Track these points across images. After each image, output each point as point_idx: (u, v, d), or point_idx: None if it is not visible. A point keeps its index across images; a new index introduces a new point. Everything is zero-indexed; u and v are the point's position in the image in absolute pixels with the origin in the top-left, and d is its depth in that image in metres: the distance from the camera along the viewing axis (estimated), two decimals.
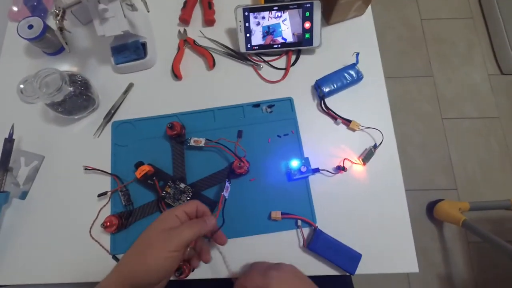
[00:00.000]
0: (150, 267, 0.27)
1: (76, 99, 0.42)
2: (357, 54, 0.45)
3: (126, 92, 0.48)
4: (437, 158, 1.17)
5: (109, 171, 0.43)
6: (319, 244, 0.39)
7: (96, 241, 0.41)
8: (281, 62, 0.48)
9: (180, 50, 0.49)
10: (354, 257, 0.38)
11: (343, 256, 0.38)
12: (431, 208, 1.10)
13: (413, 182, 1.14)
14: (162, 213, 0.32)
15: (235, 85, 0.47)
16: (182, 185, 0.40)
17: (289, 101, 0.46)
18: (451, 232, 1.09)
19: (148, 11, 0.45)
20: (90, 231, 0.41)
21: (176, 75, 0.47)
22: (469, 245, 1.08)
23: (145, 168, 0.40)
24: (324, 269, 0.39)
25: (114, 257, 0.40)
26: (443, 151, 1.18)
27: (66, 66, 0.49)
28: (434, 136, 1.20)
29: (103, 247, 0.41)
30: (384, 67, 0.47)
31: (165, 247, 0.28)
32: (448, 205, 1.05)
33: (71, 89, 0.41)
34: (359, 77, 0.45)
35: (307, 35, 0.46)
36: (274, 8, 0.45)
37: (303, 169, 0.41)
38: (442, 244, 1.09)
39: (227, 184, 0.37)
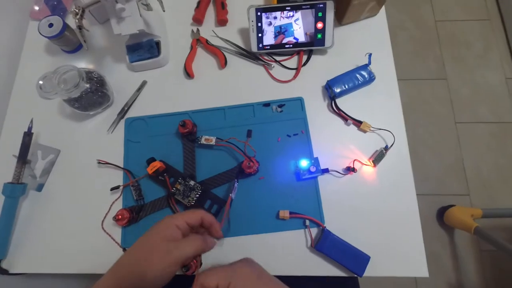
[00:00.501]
0: (146, 278, 0.27)
1: (92, 95, 0.44)
2: (370, 55, 0.44)
3: (139, 89, 0.49)
4: (449, 162, 1.14)
5: (122, 166, 0.45)
6: (327, 244, 0.38)
7: (108, 233, 0.42)
8: (292, 62, 0.48)
9: (192, 49, 0.49)
10: (362, 259, 0.38)
11: (351, 258, 0.38)
12: (442, 213, 1.07)
13: (424, 186, 1.12)
14: (163, 219, 0.30)
15: (246, 84, 0.48)
16: (192, 183, 0.41)
17: (300, 101, 0.46)
18: (463, 239, 1.07)
19: (164, 11, 0.45)
20: (102, 224, 0.42)
21: (189, 74, 0.48)
22: (482, 253, 1.05)
23: (156, 165, 0.41)
24: (331, 270, 0.39)
25: (124, 250, 0.41)
26: (456, 155, 1.15)
27: (83, 64, 0.51)
28: (447, 140, 1.17)
29: (114, 240, 0.42)
30: (397, 69, 0.46)
31: (164, 259, 0.27)
32: (460, 212, 1.02)
33: (87, 85, 0.43)
34: (371, 78, 0.45)
35: (319, 35, 0.46)
36: (287, 8, 0.45)
37: (313, 169, 0.41)
38: (452, 250, 1.06)
39: (235, 184, 0.38)
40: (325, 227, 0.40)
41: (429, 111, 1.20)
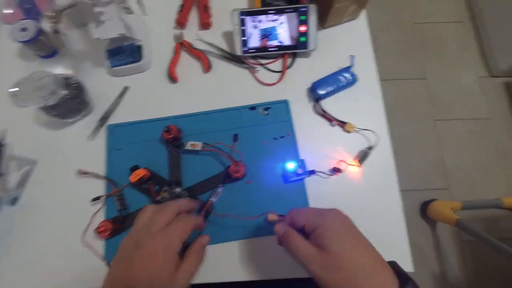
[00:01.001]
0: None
1: (70, 102, 0.42)
2: (352, 57, 0.45)
3: (121, 95, 0.47)
4: (431, 159, 1.19)
5: (104, 175, 0.43)
6: None
7: (88, 247, 0.40)
8: (277, 65, 0.49)
9: (176, 53, 0.48)
10: None
11: None
12: (424, 207, 1.12)
13: (407, 182, 1.16)
14: (157, 245, 0.27)
15: (231, 88, 0.48)
16: (178, 190, 0.40)
17: (285, 103, 0.46)
18: (445, 231, 1.11)
19: (146, 15, 0.44)
20: (83, 237, 0.40)
21: (172, 78, 0.47)
22: (462, 243, 1.10)
23: (140, 172, 0.40)
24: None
25: (108, 264, 0.40)
26: (437, 152, 1.20)
27: (60, 69, 0.49)
28: (428, 137, 1.22)
29: (96, 253, 0.40)
30: (380, 70, 0.47)
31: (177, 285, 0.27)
32: (441, 205, 1.07)
33: (65, 92, 0.41)
34: (354, 80, 0.46)
35: (302, 39, 0.47)
36: (271, 11, 0.45)
37: (299, 171, 0.41)
38: (435, 242, 1.11)
39: (219, 189, 0.37)
40: None
41: (411, 110, 1.25)
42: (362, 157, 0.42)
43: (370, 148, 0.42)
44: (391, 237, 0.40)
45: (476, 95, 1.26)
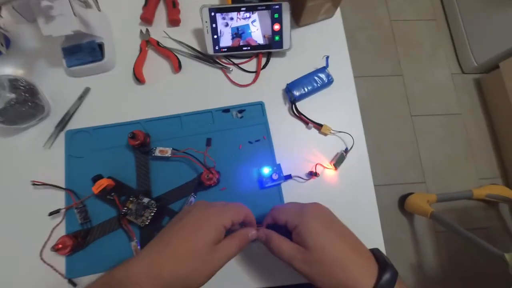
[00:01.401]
0: (191, 280, 0.26)
1: (19, 106, 0.37)
2: (327, 57, 0.44)
3: (81, 97, 0.43)
4: (408, 153, 1.23)
5: (63, 186, 0.39)
6: None
7: (48, 264, 0.37)
8: (251, 65, 0.47)
9: (142, 52, 0.45)
10: None
11: None
12: (402, 201, 1.15)
13: (386, 177, 1.19)
14: (210, 214, 0.28)
15: (203, 89, 0.45)
16: (146, 200, 0.37)
17: (260, 105, 0.45)
18: (421, 224, 1.16)
19: (99, 10, 0.40)
20: (41, 254, 0.37)
21: (138, 79, 0.44)
22: (437, 234, 1.15)
23: (103, 183, 0.37)
24: (297, 278, 0.38)
25: (70, 281, 0.37)
26: (413, 147, 1.24)
27: (8, 69, 0.44)
28: (405, 133, 1.25)
29: (57, 271, 0.37)
30: (357, 67, 0.47)
31: (212, 268, 0.27)
32: (417, 198, 1.11)
33: (12, 95, 0.37)
34: (329, 81, 0.45)
35: (276, 37, 0.45)
36: (242, 9, 0.43)
37: (275, 176, 0.40)
38: (412, 235, 1.15)
39: (191, 198, 0.35)
40: None
41: (388, 106, 1.28)
42: (338, 160, 0.41)
43: (346, 151, 0.42)
44: (366, 233, 0.40)
45: (449, 91, 1.31)
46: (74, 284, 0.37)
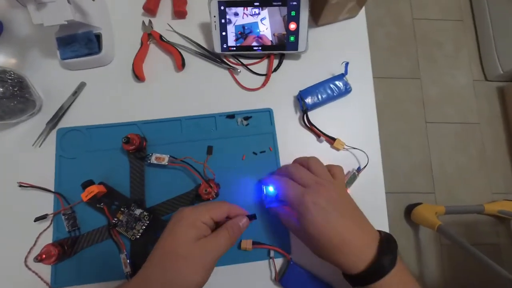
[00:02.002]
0: (187, 282, 0.25)
1: (7, 101, 0.34)
2: (346, 64, 0.40)
3: (75, 93, 0.40)
4: (418, 161, 1.18)
5: (52, 189, 0.37)
6: (292, 278, 0.35)
7: (34, 272, 0.35)
8: (261, 67, 0.42)
9: (143, 46, 0.41)
10: None
11: None
12: (409, 210, 1.11)
13: (394, 184, 1.15)
14: (184, 216, 0.28)
15: (207, 91, 0.41)
16: (138, 211, 0.35)
17: (269, 112, 0.41)
18: (426, 234, 1.12)
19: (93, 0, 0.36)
20: (25, 261, 0.35)
21: (138, 76, 0.40)
22: (442, 247, 1.11)
23: (93, 190, 0.34)
24: None
25: None
26: (424, 154, 1.18)
27: None
28: (417, 139, 1.20)
29: (42, 279, 0.35)
30: (373, 66, 0.42)
31: (204, 265, 0.26)
32: (425, 210, 1.07)
33: (0, 89, 0.33)
34: (347, 90, 0.40)
35: (292, 38, 0.40)
36: (256, 3, 0.38)
37: None
38: (416, 245, 1.12)
39: None
40: (291, 258, 0.36)
41: (402, 110, 1.22)
42: (349, 180, 0.37)
43: (358, 170, 0.38)
44: None
45: (469, 98, 1.24)
46: None
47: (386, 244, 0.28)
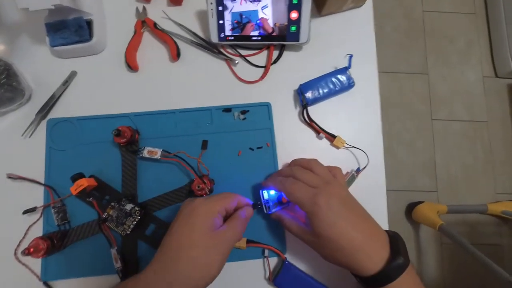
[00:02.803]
0: (208, 274, 0.26)
1: None
2: (350, 56, 0.37)
3: (66, 82, 0.39)
4: (422, 159, 1.15)
5: (42, 181, 0.36)
6: (287, 279, 0.34)
7: (24, 264, 0.34)
8: (260, 58, 0.40)
9: (136, 34, 0.39)
10: None
11: None
12: (411, 208, 1.10)
13: (396, 182, 1.13)
14: (196, 204, 0.28)
15: (203, 83, 0.39)
16: (128, 207, 0.34)
17: (267, 106, 0.39)
18: (427, 233, 1.11)
19: None
20: (15, 254, 0.34)
21: (130, 66, 0.38)
22: (442, 246, 1.10)
23: (82, 183, 0.33)
24: None
25: (46, 284, 0.34)
26: (428, 152, 1.16)
27: None
28: (422, 136, 1.17)
29: (32, 271, 0.34)
30: (378, 60, 0.40)
31: (220, 254, 0.27)
32: (427, 208, 1.05)
33: None
34: (350, 84, 0.38)
35: (293, 28, 0.38)
36: None
37: (285, 200, 0.34)
38: (416, 243, 1.11)
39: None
40: (286, 258, 0.35)
41: (408, 106, 1.18)
42: (348, 180, 0.36)
43: (357, 171, 0.36)
44: None
45: (478, 95, 1.20)
46: (49, 287, 0.34)
47: (398, 244, 0.28)
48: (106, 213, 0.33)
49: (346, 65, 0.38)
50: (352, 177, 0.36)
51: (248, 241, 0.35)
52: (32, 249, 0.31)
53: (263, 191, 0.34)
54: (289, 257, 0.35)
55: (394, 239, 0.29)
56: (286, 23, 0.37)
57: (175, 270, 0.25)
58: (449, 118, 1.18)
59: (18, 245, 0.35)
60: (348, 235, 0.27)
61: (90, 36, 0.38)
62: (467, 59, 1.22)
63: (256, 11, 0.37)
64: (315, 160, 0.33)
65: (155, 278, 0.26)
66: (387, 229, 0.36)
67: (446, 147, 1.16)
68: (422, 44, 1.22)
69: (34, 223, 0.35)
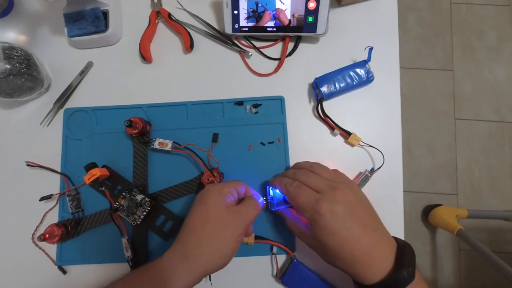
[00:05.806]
0: (224, 252, 0.27)
1: (14, 79, 0.34)
2: (370, 49, 0.35)
3: (83, 72, 0.39)
4: (442, 160, 1.10)
5: (59, 169, 0.37)
6: (295, 277, 0.33)
7: (40, 248, 0.35)
8: (274, 50, 0.39)
9: (151, 24, 0.39)
10: None
11: None
12: (427, 211, 1.05)
13: (413, 183, 1.08)
14: (210, 186, 0.30)
15: (216, 75, 0.39)
16: (139, 197, 0.34)
17: (280, 100, 0.38)
18: (444, 238, 1.06)
19: None
20: (32, 238, 0.36)
21: (144, 57, 0.38)
22: (460, 252, 1.05)
23: (95, 173, 0.33)
24: None
25: (60, 269, 0.35)
26: (450, 154, 1.10)
27: (10, 35, 0.40)
28: (443, 137, 1.11)
29: (48, 255, 0.35)
30: (401, 54, 0.37)
31: (235, 230, 0.27)
32: (445, 212, 1.00)
33: (6, 66, 0.33)
34: (368, 79, 0.36)
35: (310, 18, 0.36)
36: None
37: None
38: (432, 248, 1.06)
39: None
40: (294, 256, 0.34)
41: (429, 104, 1.12)
42: (361, 181, 0.34)
43: (371, 171, 0.34)
44: None
45: (507, 94, 1.11)
46: (64, 271, 0.35)
47: (404, 255, 0.26)
48: (117, 203, 0.34)
49: (365, 58, 0.36)
50: (365, 177, 0.34)
51: (257, 237, 0.34)
52: (47, 235, 0.32)
53: (270, 188, 0.33)
54: (298, 255, 0.34)
55: (402, 249, 0.27)
56: (304, 14, 0.36)
57: (194, 247, 0.26)
58: (474, 117, 1.11)
59: (35, 230, 0.36)
60: (349, 246, 0.26)
61: (105, 26, 0.38)
62: (497, 56, 1.13)
63: (273, 1, 0.35)
64: (318, 164, 0.32)
65: (171, 254, 0.27)
66: (402, 231, 0.35)
67: (469, 148, 1.10)
68: (449, 38, 1.15)
69: (51, 209, 0.36)
